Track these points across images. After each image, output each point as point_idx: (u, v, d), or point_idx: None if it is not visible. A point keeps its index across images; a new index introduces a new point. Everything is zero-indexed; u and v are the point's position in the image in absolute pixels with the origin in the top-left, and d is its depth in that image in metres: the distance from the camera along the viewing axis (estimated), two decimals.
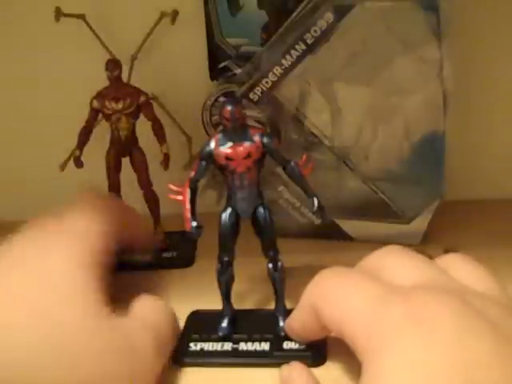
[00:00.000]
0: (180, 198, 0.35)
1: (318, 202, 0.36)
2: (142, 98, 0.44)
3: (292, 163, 0.36)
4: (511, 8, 0.46)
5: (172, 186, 0.35)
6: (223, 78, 0.44)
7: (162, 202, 0.46)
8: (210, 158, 0.35)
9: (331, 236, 0.46)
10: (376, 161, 0.43)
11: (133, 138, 0.45)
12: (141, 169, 0.45)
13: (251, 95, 0.43)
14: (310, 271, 0.42)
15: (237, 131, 0.34)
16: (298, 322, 0.34)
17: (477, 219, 0.48)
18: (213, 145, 0.35)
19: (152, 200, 0.46)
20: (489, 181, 0.50)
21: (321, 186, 0.37)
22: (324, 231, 0.46)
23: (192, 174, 0.35)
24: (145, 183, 0.46)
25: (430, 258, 0.41)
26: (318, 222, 0.46)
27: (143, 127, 0.45)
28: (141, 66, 0.48)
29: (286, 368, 0.33)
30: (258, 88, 0.42)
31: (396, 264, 0.31)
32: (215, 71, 0.44)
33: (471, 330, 0.25)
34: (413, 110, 0.41)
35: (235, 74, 0.43)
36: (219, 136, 0.35)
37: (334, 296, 0.31)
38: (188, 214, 0.35)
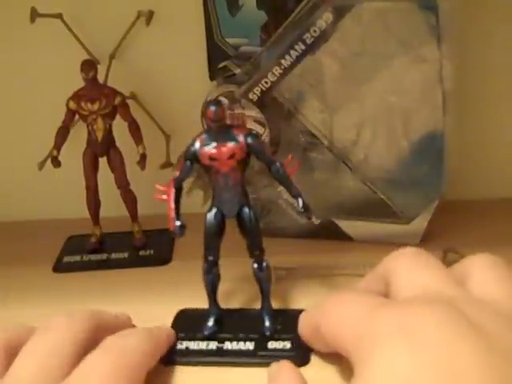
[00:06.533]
0: (165, 197, 0.36)
1: (303, 202, 0.36)
2: (118, 99, 0.44)
3: (277, 163, 0.36)
4: (511, 8, 0.46)
5: (158, 186, 0.36)
6: (222, 78, 0.44)
7: (140, 201, 0.47)
8: (194, 158, 0.35)
9: (331, 236, 0.46)
10: (375, 161, 0.43)
11: (109, 138, 0.45)
12: (118, 168, 0.46)
13: (251, 95, 0.43)
14: (310, 271, 0.42)
15: (221, 131, 0.35)
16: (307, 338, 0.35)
17: (477, 219, 0.48)
18: (197, 145, 0.35)
19: (129, 199, 0.47)
20: (489, 181, 0.50)
21: (320, 186, 0.37)
22: (323, 231, 0.46)
23: (177, 173, 0.36)
24: (122, 183, 0.46)
25: None
26: (317, 221, 0.46)
27: (121, 127, 0.45)
28: (140, 65, 0.48)
29: (274, 366, 0.33)
30: (257, 88, 0.42)
31: (405, 273, 0.30)
32: (214, 71, 0.44)
33: (461, 341, 0.24)
34: (412, 110, 0.41)
35: (235, 74, 0.43)
36: (204, 136, 0.35)
37: (331, 312, 0.31)
38: (172, 214, 0.35)
